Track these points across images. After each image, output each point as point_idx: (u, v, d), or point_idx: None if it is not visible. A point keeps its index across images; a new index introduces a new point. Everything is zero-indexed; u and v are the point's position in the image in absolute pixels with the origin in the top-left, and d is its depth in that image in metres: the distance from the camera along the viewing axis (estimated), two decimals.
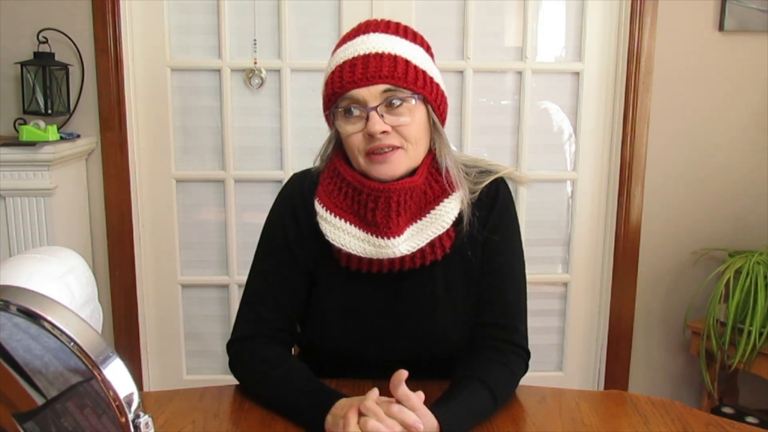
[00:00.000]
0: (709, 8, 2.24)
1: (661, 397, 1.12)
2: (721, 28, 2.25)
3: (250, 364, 1.12)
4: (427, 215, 1.10)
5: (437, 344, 1.14)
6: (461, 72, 2.27)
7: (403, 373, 0.87)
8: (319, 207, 1.12)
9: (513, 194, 1.20)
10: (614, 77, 2.30)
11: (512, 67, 2.31)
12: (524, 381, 1.14)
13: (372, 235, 1.08)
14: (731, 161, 2.34)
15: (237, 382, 1.14)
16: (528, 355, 1.14)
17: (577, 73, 2.32)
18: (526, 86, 2.30)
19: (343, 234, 1.09)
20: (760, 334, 2.04)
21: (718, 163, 2.34)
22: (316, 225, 1.11)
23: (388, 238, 1.07)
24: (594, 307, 2.45)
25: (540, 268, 2.43)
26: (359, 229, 1.09)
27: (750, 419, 2.14)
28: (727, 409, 2.23)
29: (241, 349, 1.14)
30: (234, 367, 1.15)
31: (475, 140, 2.31)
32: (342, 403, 0.97)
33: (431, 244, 1.10)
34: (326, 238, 1.10)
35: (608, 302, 2.41)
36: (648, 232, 2.36)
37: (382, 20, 1.11)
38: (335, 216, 1.10)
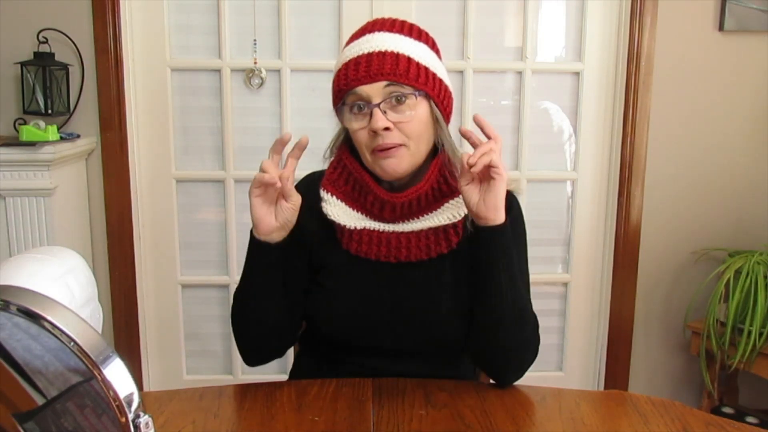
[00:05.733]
0: (709, 8, 2.24)
1: (661, 397, 1.12)
2: (721, 28, 2.25)
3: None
4: (434, 211, 1.14)
5: (437, 336, 1.15)
6: (461, 72, 2.27)
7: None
8: (323, 193, 1.17)
9: None
10: (614, 77, 2.30)
11: (512, 67, 2.31)
12: (524, 381, 1.15)
13: (375, 220, 1.15)
14: (731, 161, 2.34)
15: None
16: (537, 325, 1.15)
17: (577, 73, 2.32)
18: (526, 86, 2.30)
19: (345, 216, 1.15)
20: (760, 334, 2.04)
21: (718, 163, 2.34)
22: (321, 212, 1.16)
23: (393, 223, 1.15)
24: (594, 307, 2.45)
25: (540, 268, 2.43)
26: (363, 214, 1.15)
27: (750, 419, 2.14)
28: (727, 409, 2.23)
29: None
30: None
31: None
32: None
33: (436, 235, 1.14)
34: (329, 217, 1.15)
35: (608, 302, 2.41)
36: (648, 232, 2.36)
37: (388, 19, 1.15)
38: (339, 200, 1.16)
